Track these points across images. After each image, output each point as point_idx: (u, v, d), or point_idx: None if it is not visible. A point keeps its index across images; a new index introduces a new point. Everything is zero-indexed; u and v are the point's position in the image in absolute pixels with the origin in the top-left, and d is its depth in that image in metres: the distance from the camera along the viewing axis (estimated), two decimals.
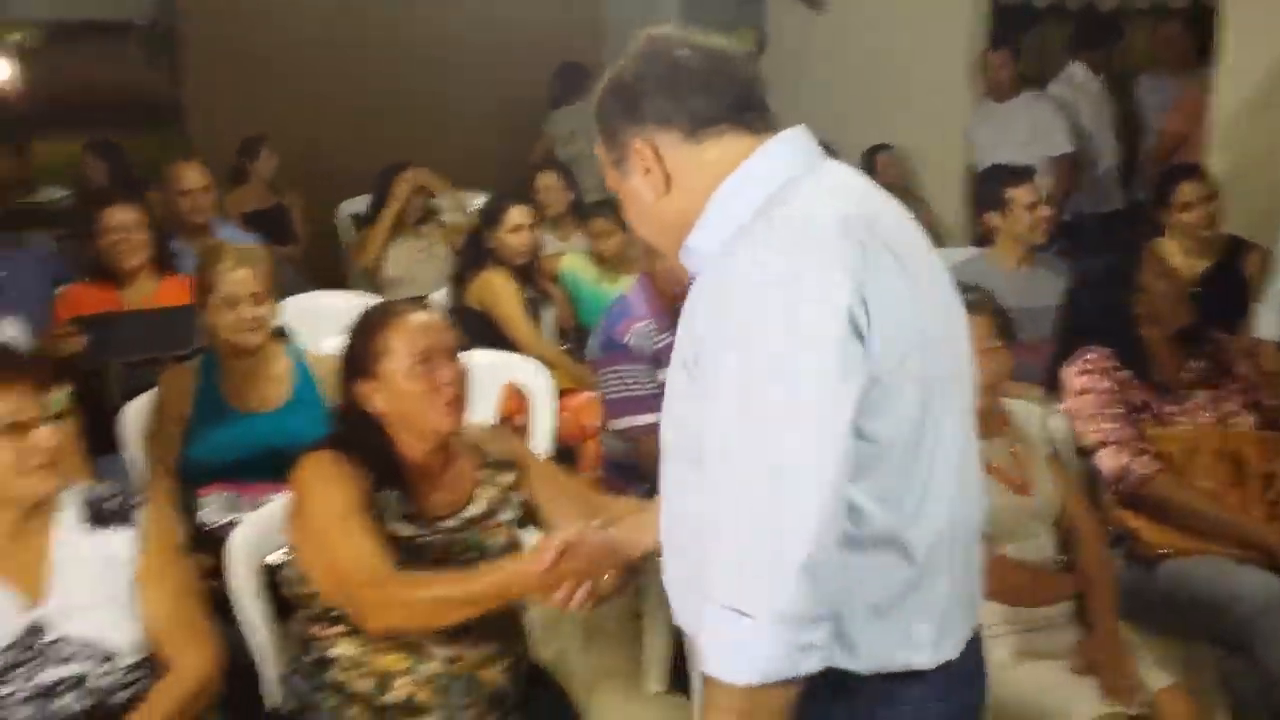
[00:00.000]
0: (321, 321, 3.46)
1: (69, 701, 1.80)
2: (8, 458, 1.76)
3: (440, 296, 4.15)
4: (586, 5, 7.78)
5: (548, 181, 4.88)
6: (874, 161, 5.67)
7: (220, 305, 2.71)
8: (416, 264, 4.73)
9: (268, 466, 2.65)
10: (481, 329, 3.79)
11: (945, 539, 1.30)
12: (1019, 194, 3.67)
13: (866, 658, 1.29)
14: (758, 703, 1.19)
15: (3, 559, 1.82)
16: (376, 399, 1.90)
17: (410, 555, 1.86)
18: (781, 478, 1.17)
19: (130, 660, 1.86)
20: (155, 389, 2.80)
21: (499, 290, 3.80)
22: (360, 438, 1.91)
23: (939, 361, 1.30)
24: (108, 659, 1.83)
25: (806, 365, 1.17)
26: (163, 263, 3.56)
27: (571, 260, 4.20)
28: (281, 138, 6.19)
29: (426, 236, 4.78)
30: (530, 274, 3.99)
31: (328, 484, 1.86)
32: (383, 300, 2.08)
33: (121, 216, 3.47)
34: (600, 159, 1.43)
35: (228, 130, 6.38)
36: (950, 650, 1.34)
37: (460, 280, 3.96)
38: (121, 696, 1.84)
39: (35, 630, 1.80)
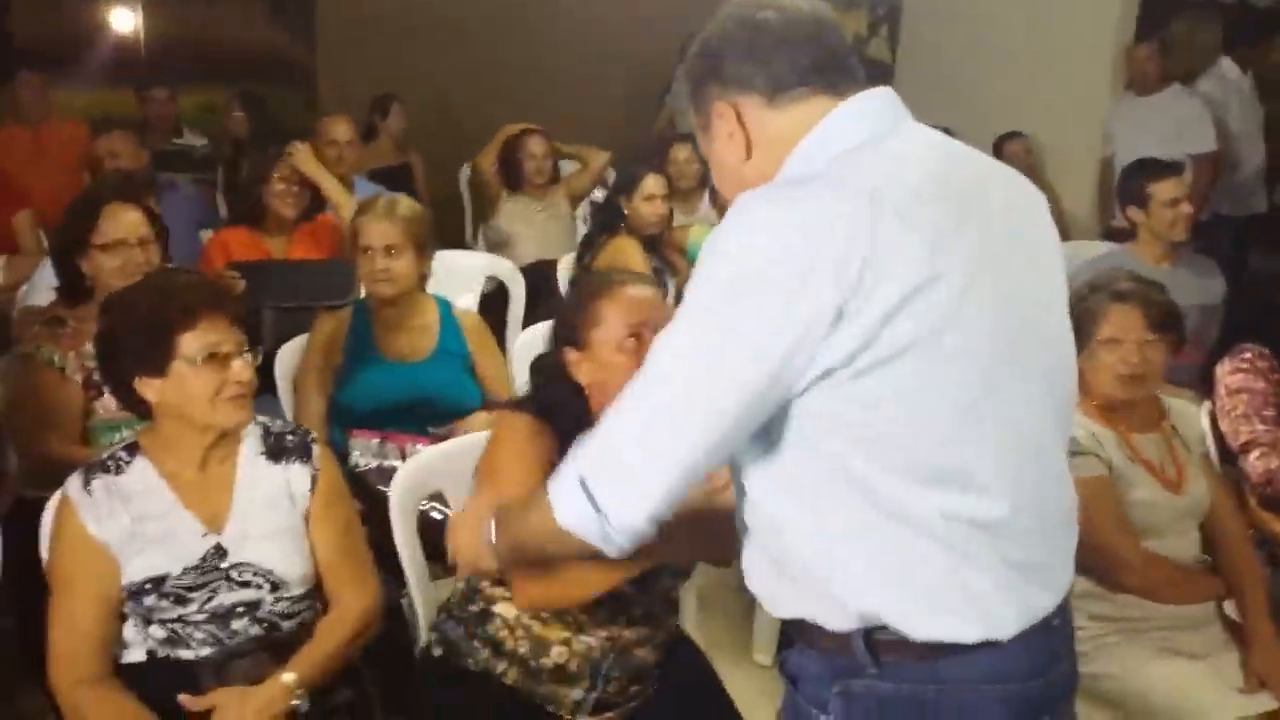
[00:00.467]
0: (445, 279, 3.56)
1: (244, 625, 1.88)
2: (208, 387, 1.84)
3: (568, 260, 4.20)
4: None
5: (682, 154, 4.87)
6: (1003, 149, 5.58)
7: (361, 254, 2.80)
8: (531, 224, 4.75)
9: (411, 414, 2.75)
10: None
11: (966, 518, 1.24)
12: (1161, 189, 3.58)
13: (906, 622, 1.27)
14: (564, 537, 1.32)
15: (189, 486, 1.91)
16: (582, 368, 1.87)
17: None
18: (672, 415, 1.22)
19: (299, 591, 1.93)
20: (307, 334, 2.89)
21: (630, 258, 3.82)
22: (560, 405, 1.88)
23: (979, 344, 1.23)
24: (279, 587, 1.90)
25: (746, 318, 1.18)
26: (307, 214, 3.69)
27: (699, 232, 4.20)
28: (409, 99, 6.30)
29: (549, 197, 4.80)
30: (658, 244, 4.01)
31: (520, 456, 1.82)
32: (605, 271, 2.05)
33: (291, 169, 3.61)
34: (693, 124, 1.42)
35: (356, 88, 6.52)
36: (1001, 630, 1.28)
37: (590, 245, 4.00)
38: (289, 625, 1.93)
39: (218, 553, 1.88)
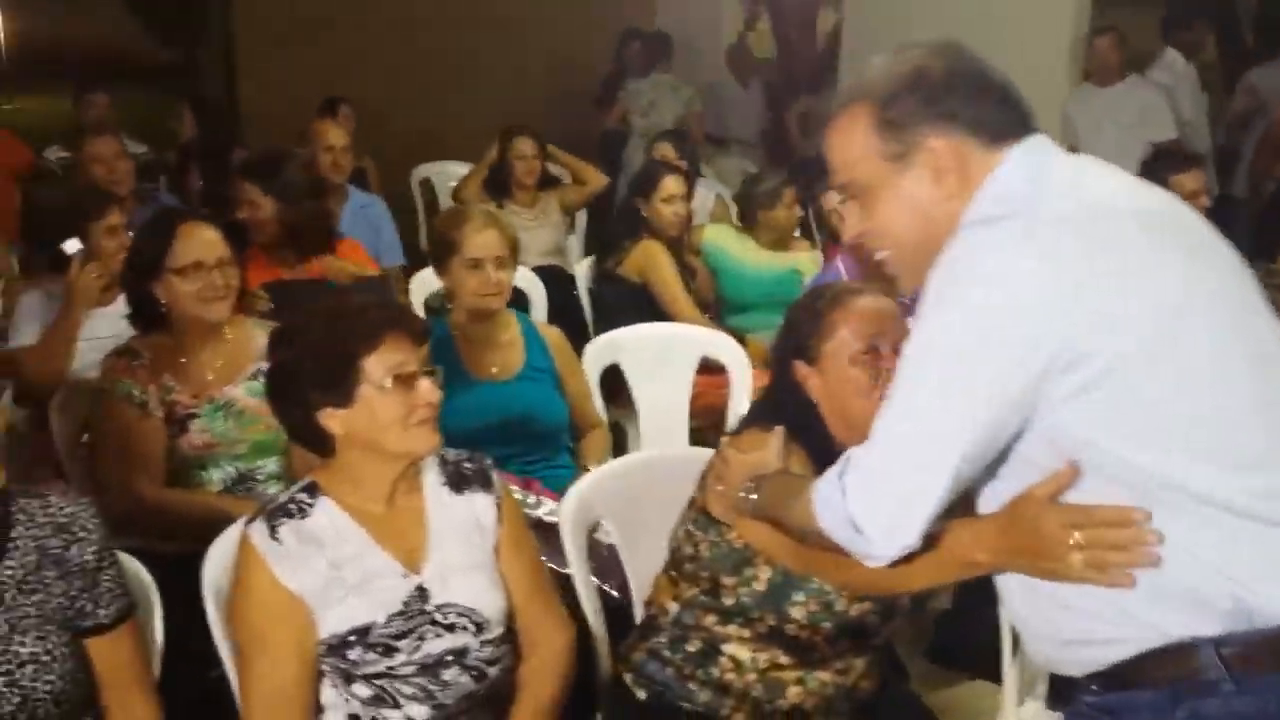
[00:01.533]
0: None
1: (454, 675, 1.73)
2: (397, 410, 1.69)
3: (585, 264, 4.09)
4: None
5: (665, 153, 4.83)
6: None
7: (465, 268, 2.63)
8: (525, 232, 4.62)
9: (505, 434, 2.61)
10: (636, 300, 3.74)
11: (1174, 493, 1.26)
12: (1182, 181, 3.65)
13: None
14: (822, 537, 1.40)
15: (379, 524, 1.75)
16: (812, 383, 1.79)
17: None
18: (931, 453, 1.28)
19: (499, 631, 1.80)
20: None
21: (661, 262, 3.73)
22: (792, 419, 1.77)
23: (1218, 338, 1.28)
24: (482, 628, 1.76)
25: (990, 358, 1.25)
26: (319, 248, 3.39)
27: (714, 232, 4.15)
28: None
29: (540, 204, 4.68)
30: (679, 246, 3.93)
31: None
32: (839, 283, 1.97)
33: (253, 195, 3.26)
34: (853, 149, 1.40)
35: (276, 94, 6.26)
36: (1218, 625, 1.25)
37: (614, 250, 3.88)
38: (495, 671, 1.78)
39: (420, 595, 1.74)
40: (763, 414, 1.85)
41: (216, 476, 2.37)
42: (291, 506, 1.74)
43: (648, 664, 1.88)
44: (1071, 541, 1.27)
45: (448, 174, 6.33)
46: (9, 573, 1.52)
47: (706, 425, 3.30)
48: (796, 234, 4.18)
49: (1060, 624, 1.36)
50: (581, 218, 5.29)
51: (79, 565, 1.57)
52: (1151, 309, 1.25)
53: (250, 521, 1.73)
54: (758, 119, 7.38)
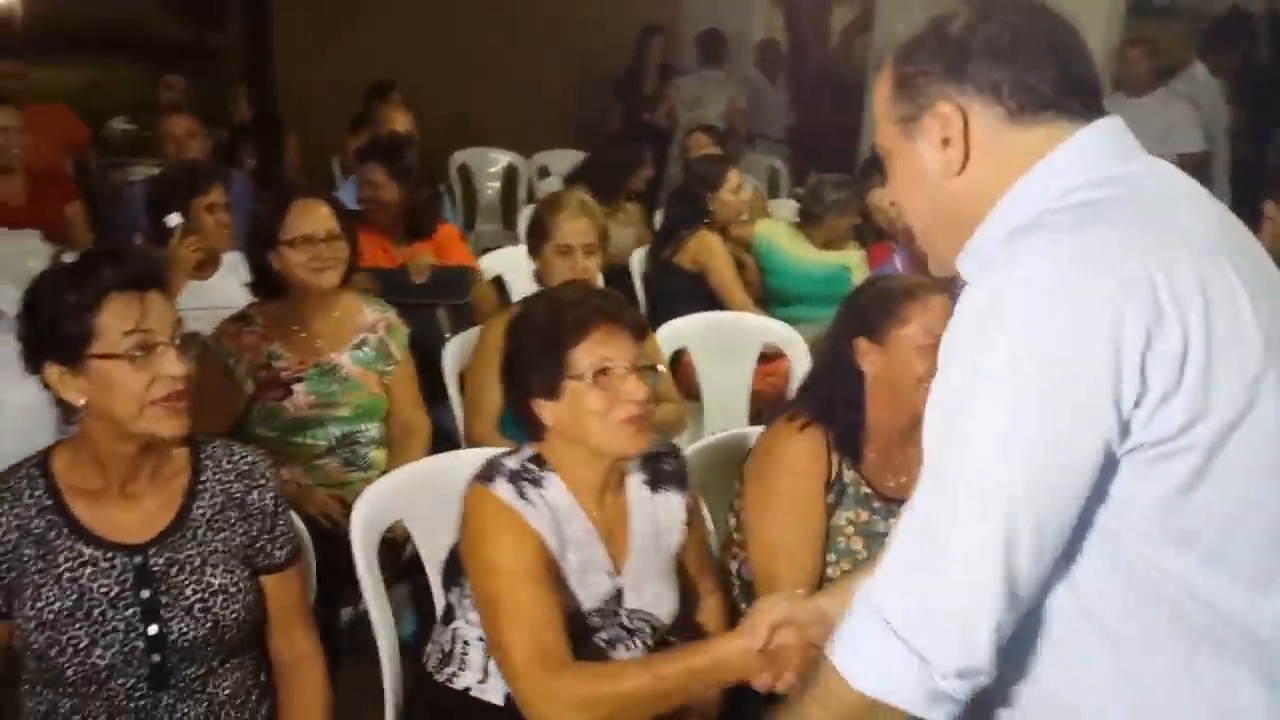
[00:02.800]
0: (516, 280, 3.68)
1: None
2: (598, 405, 1.64)
3: (640, 254, 4.21)
4: None
5: (701, 144, 4.97)
6: None
7: (554, 253, 2.76)
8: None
9: None
10: (692, 290, 3.86)
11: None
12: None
13: None
14: (869, 714, 1.09)
15: (598, 511, 1.74)
16: (871, 359, 1.94)
17: (871, 540, 1.94)
18: (963, 515, 1.03)
19: (663, 634, 1.80)
20: (475, 333, 2.86)
21: (719, 252, 3.86)
22: (839, 391, 1.96)
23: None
24: (656, 632, 1.78)
25: (1030, 408, 1.00)
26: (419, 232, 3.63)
27: (767, 227, 4.27)
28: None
29: (623, 211, 4.81)
30: (727, 240, 4.05)
31: (799, 472, 1.92)
32: (907, 276, 2.13)
33: (378, 177, 3.53)
34: (879, 108, 1.22)
35: (319, 75, 6.37)
36: None
37: (670, 240, 4.00)
38: None
39: (617, 597, 1.74)
40: (815, 381, 2.06)
41: (323, 438, 2.52)
42: (526, 475, 1.69)
43: None
44: None
45: (485, 159, 6.49)
46: (199, 511, 1.65)
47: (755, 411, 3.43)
48: None
49: None
50: None
51: (259, 509, 1.69)
52: (1241, 378, 1.03)
53: (483, 480, 1.68)
54: (785, 116, 7.51)
